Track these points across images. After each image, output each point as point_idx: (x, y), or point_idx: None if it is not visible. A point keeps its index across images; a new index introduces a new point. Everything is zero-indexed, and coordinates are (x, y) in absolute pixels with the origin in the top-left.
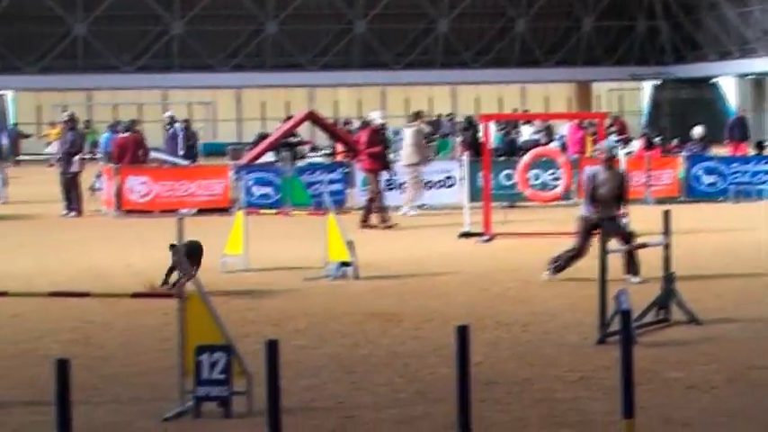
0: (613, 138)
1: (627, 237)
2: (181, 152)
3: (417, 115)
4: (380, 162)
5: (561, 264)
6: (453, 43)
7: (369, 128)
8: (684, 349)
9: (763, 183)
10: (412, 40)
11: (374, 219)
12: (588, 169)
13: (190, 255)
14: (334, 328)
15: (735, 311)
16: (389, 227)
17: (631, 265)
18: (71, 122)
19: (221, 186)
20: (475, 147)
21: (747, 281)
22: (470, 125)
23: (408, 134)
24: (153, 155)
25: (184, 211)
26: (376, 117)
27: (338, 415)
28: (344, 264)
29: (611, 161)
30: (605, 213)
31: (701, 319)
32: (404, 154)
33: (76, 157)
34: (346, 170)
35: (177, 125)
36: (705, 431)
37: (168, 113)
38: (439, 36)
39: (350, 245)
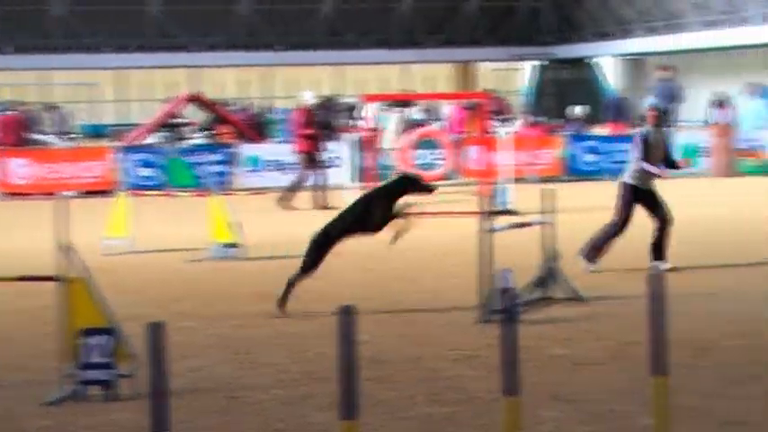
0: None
1: (665, 218)
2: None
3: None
4: (314, 143)
5: (599, 245)
6: (338, 24)
7: (302, 109)
8: (568, 326)
9: None
10: (297, 20)
11: (303, 200)
12: (640, 130)
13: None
14: (220, 309)
15: (617, 288)
16: (326, 207)
17: (658, 251)
18: None
19: (103, 168)
20: (328, 128)
21: (629, 258)
22: (323, 106)
23: (393, 120)
24: (33, 135)
25: (66, 193)
26: (308, 98)
27: (224, 396)
28: (230, 245)
29: (661, 119)
30: (650, 181)
31: (584, 296)
32: (387, 139)
33: None
34: (230, 151)
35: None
36: (590, 407)
37: None
38: (324, 16)
39: (236, 226)
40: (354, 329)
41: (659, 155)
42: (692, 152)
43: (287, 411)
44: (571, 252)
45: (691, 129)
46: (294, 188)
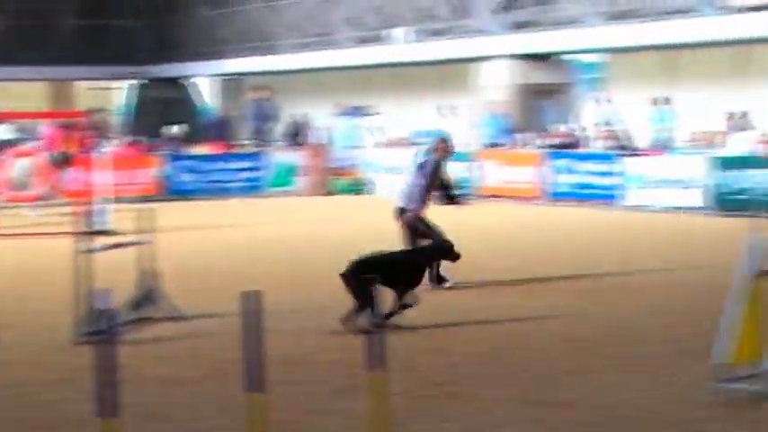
0: (95, 137)
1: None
2: None
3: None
4: None
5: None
6: None
7: None
8: (167, 345)
9: (238, 180)
10: None
11: None
12: (428, 158)
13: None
14: None
15: (221, 306)
16: None
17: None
18: None
19: None
20: None
21: (243, 272)
22: None
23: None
24: None
25: None
26: None
27: None
28: None
29: (450, 149)
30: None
31: (185, 314)
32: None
33: None
34: None
35: None
36: (188, 425)
37: None
38: None
39: None
40: None
41: (438, 185)
42: (287, 171)
43: None
44: (171, 271)
45: (286, 148)
46: None
